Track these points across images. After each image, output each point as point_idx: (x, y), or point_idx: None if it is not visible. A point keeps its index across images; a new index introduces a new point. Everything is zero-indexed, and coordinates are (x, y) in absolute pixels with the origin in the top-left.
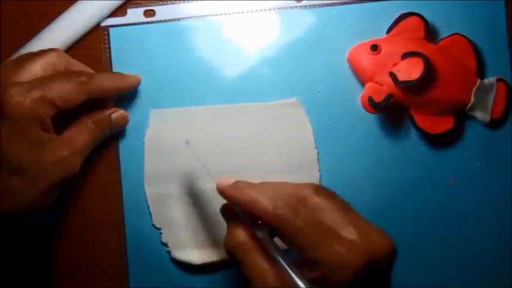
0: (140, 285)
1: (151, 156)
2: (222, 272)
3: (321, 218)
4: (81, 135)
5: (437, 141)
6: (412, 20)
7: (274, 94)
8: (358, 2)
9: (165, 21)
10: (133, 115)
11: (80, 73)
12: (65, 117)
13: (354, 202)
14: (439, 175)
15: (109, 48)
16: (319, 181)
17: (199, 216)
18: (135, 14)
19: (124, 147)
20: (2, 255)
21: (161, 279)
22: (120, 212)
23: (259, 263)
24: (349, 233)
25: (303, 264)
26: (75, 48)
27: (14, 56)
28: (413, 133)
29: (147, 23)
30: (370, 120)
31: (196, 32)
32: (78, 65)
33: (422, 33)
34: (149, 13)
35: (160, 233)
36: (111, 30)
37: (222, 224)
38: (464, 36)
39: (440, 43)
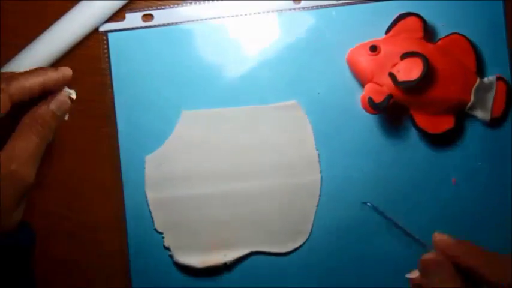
0: None
1: (151, 160)
2: (224, 275)
3: None
4: (25, 141)
5: (437, 141)
6: (411, 20)
7: (274, 96)
8: (357, 3)
9: (163, 25)
10: (132, 118)
11: None
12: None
13: (355, 203)
14: (440, 175)
15: (108, 53)
16: (320, 182)
17: (201, 219)
18: (133, 18)
19: (124, 151)
20: None
21: (164, 283)
22: (121, 217)
23: None
24: None
25: None
26: (75, 50)
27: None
28: (413, 133)
29: (146, 27)
30: (371, 120)
31: (195, 36)
32: (19, 84)
33: (421, 33)
34: (147, 17)
35: (163, 237)
36: (109, 35)
37: (223, 227)
38: (463, 36)
39: (439, 43)
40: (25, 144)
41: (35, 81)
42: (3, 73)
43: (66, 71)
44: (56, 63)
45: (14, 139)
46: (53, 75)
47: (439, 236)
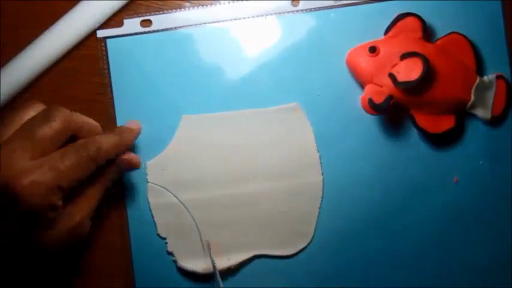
0: None
1: (153, 166)
2: (229, 279)
3: None
4: (93, 196)
5: (438, 141)
6: (409, 20)
7: (274, 99)
8: (355, 5)
9: (162, 30)
10: None
11: (87, 145)
12: None
13: (357, 203)
14: (442, 175)
15: (107, 59)
16: (323, 184)
17: (204, 223)
18: (131, 24)
19: None
20: None
21: None
22: (124, 222)
23: None
24: None
25: None
26: (75, 50)
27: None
28: (414, 133)
29: (144, 33)
30: (371, 121)
31: (194, 40)
32: (80, 118)
33: (420, 33)
34: (146, 23)
35: (166, 243)
36: (108, 41)
37: (226, 231)
38: (462, 35)
39: (438, 42)
40: (92, 200)
41: (116, 147)
42: (92, 142)
43: (137, 126)
44: (56, 63)
45: (83, 195)
46: (129, 136)
47: None
